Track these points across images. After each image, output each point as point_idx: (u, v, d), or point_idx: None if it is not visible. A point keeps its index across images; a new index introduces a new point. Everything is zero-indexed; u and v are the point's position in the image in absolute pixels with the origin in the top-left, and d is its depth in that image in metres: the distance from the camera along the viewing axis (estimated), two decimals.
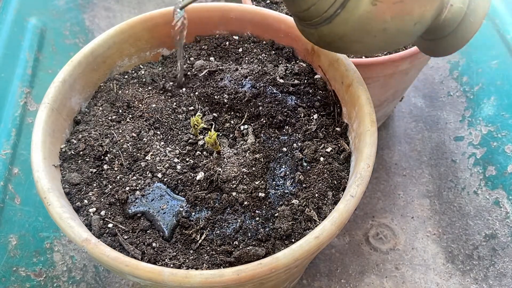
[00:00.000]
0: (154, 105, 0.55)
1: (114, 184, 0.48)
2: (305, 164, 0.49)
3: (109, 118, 0.54)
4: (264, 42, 0.62)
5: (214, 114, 0.54)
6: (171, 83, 0.58)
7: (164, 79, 0.58)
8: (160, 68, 0.60)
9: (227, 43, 0.62)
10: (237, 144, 0.52)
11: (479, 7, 0.46)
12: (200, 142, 0.52)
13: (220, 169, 0.48)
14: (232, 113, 0.54)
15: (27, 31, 0.79)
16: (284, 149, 0.51)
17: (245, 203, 0.46)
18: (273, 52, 0.60)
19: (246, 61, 0.59)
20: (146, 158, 0.50)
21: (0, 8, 0.80)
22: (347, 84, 0.52)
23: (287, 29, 0.59)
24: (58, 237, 0.61)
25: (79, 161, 0.49)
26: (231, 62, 0.60)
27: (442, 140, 0.81)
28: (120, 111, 0.54)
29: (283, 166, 0.49)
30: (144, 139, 0.52)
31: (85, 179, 0.48)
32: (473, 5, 0.46)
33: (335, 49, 0.44)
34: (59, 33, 0.84)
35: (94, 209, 0.46)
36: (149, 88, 0.57)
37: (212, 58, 0.60)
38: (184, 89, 0.57)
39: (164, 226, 0.45)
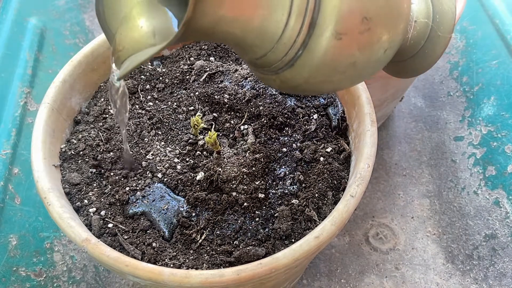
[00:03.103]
0: (154, 106, 0.55)
1: (114, 184, 0.48)
2: (305, 164, 0.49)
3: (109, 118, 0.54)
4: None
5: (214, 114, 0.54)
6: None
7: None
8: (161, 69, 0.60)
9: None
10: (237, 144, 0.52)
11: (445, 20, 0.43)
12: (200, 142, 0.52)
13: (220, 169, 0.48)
14: (232, 113, 0.54)
15: (27, 31, 0.78)
16: (284, 149, 0.51)
17: (245, 204, 0.46)
18: None
19: None
20: (147, 157, 0.50)
21: (0, 8, 0.80)
22: None
23: None
24: (58, 237, 0.61)
25: (79, 161, 0.49)
26: (231, 62, 0.60)
27: (442, 140, 0.81)
28: None
29: (283, 166, 0.49)
30: (145, 139, 0.52)
31: (85, 179, 0.48)
32: (438, 18, 0.43)
33: (301, 92, 0.39)
34: (59, 33, 0.84)
35: (94, 209, 0.46)
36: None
37: (212, 58, 0.60)
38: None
39: (164, 226, 0.45)
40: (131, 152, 0.48)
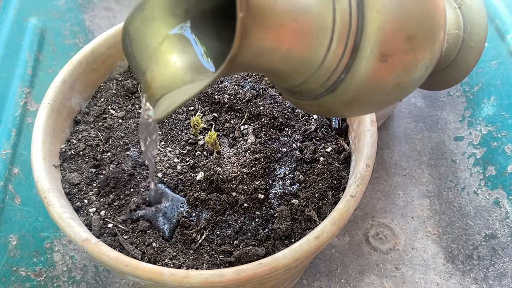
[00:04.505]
0: None
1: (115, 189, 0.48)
2: (305, 164, 0.49)
3: (109, 118, 0.54)
4: None
5: (214, 114, 0.54)
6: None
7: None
8: None
9: None
10: (237, 144, 0.52)
11: (477, 30, 0.42)
12: (200, 142, 0.52)
13: (220, 169, 0.48)
14: (232, 113, 0.54)
15: (27, 31, 0.78)
16: (284, 149, 0.51)
17: (245, 204, 0.46)
18: None
19: None
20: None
21: (0, 8, 0.80)
22: None
23: None
24: (58, 237, 0.61)
25: (79, 161, 0.49)
26: None
27: (442, 140, 0.81)
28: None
29: (283, 166, 0.49)
30: None
31: (85, 179, 0.48)
32: (469, 28, 0.42)
33: (340, 115, 0.37)
34: (59, 33, 0.84)
35: (94, 209, 0.46)
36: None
37: None
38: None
39: (164, 226, 0.45)
40: (155, 187, 0.46)
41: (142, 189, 0.47)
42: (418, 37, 0.31)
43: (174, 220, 0.45)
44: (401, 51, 0.31)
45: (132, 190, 0.47)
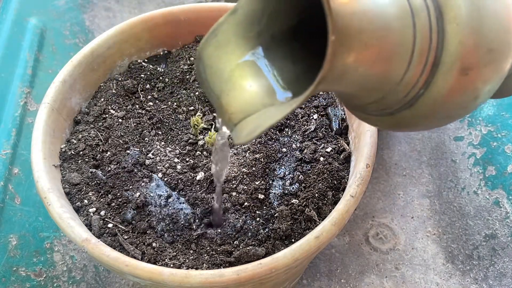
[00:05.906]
0: (154, 106, 0.55)
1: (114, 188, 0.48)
2: (305, 164, 0.49)
3: (109, 118, 0.54)
4: None
5: (214, 114, 0.54)
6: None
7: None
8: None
9: None
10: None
11: None
12: (200, 142, 0.52)
13: None
14: None
15: (27, 31, 0.78)
16: (284, 149, 0.51)
17: (245, 204, 0.46)
18: None
19: None
20: (148, 156, 0.50)
21: (0, 8, 0.80)
22: None
23: None
24: (58, 237, 0.61)
25: (79, 161, 0.49)
26: None
27: (442, 140, 0.81)
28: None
29: (283, 166, 0.49)
30: (145, 139, 0.52)
31: (85, 179, 0.48)
32: None
33: (414, 130, 0.38)
34: (59, 33, 0.84)
35: (94, 209, 0.46)
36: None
37: None
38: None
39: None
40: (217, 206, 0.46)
41: (143, 182, 0.47)
42: (497, 49, 0.31)
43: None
44: (482, 64, 0.31)
45: (131, 187, 0.47)
